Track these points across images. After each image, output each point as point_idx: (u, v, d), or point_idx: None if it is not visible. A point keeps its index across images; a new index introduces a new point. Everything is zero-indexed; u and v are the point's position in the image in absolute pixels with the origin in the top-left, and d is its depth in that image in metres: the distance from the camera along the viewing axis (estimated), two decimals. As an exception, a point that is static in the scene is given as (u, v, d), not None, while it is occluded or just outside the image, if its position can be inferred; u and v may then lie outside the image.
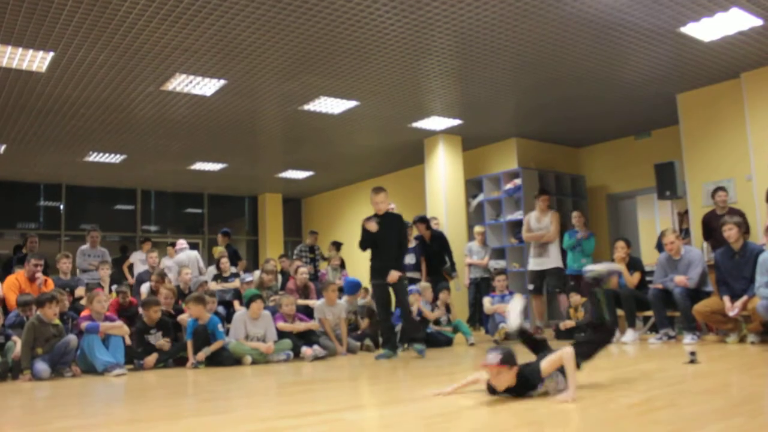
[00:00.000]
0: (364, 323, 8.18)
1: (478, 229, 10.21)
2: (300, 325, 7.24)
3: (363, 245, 6.93)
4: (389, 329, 6.85)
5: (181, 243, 10.50)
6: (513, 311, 4.30)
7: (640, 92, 8.97)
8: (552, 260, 8.80)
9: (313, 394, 4.51)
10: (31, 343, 5.90)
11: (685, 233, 9.15)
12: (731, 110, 8.61)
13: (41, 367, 5.81)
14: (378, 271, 6.80)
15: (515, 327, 4.17)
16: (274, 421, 3.38)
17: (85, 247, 9.50)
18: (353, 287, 8.42)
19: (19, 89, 7.78)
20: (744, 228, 6.84)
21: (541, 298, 8.96)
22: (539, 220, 8.92)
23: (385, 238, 6.78)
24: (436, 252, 9.10)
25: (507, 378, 3.51)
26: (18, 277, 7.37)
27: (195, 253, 10.12)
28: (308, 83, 8.03)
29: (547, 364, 3.62)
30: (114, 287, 8.30)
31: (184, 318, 7.26)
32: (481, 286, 9.81)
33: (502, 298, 8.21)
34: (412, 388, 4.54)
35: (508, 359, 3.52)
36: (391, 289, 6.84)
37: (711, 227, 7.81)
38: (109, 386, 5.38)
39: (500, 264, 10.52)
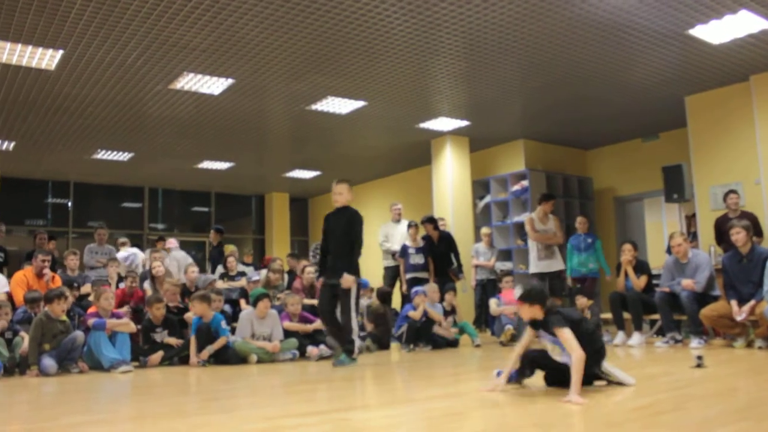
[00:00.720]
0: (369, 326, 8.17)
1: (484, 230, 10.20)
2: (308, 326, 7.23)
3: (322, 241, 6.50)
4: (337, 333, 6.25)
5: (172, 242, 10.54)
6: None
7: (648, 94, 8.95)
8: (558, 263, 8.81)
9: (318, 394, 4.52)
10: (38, 339, 5.93)
11: (692, 236, 9.12)
12: (740, 113, 8.58)
13: (48, 362, 5.84)
14: (327, 269, 6.31)
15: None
16: (279, 419, 3.38)
17: (92, 244, 9.55)
18: (364, 287, 8.48)
19: (28, 87, 7.81)
20: (753, 232, 6.80)
21: None
22: (544, 223, 8.91)
23: (335, 235, 6.27)
24: (443, 253, 9.09)
25: (530, 311, 3.96)
26: (26, 273, 7.41)
27: (183, 254, 10.16)
28: (316, 83, 8.03)
29: (562, 335, 3.78)
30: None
31: (190, 316, 7.27)
32: (487, 288, 9.79)
33: (509, 299, 8.19)
34: (417, 388, 4.54)
35: (526, 296, 3.99)
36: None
37: (723, 230, 7.77)
38: (115, 383, 5.40)
39: (507, 265, 10.50)
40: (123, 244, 10.42)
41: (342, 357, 6.06)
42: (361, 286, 7.64)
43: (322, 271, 6.47)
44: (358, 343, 6.28)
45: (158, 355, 6.58)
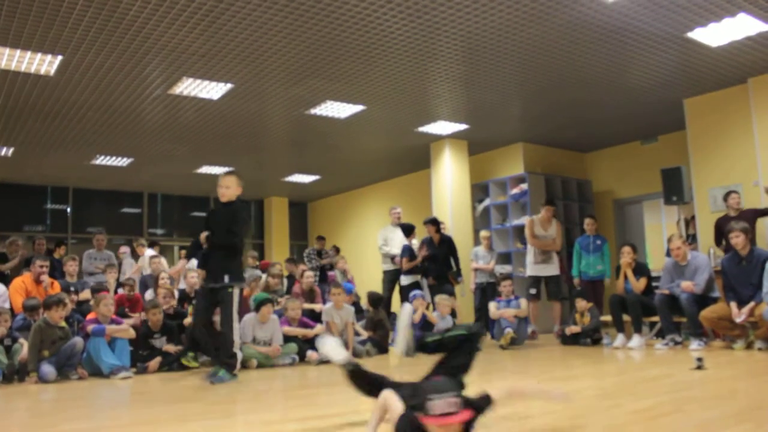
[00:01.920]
0: (367, 333, 8.15)
1: (484, 233, 10.20)
2: (308, 331, 7.22)
3: (190, 250, 5.94)
4: (214, 346, 5.63)
5: (125, 249, 10.62)
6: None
7: (646, 97, 8.96)
8: (553, 267, 8.93)
9: (318, 398, 4.51)
10: (37, 346, 5.92)
11: (691, 239, 9.12)
12: (738, 115, 8.59)
13: (47, 369, 5.83)
14: (208, 272, 5.64)
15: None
16: (279, 424, 3.38)
17: (91, 250, 9.54)
18: (348, 292, 8.51)
19: (27, 92, 7.81)
20: (751, 234, 6.81)
21: (538, 303, 8.95)
22: (545, 228, 8.95)
23: (218, 233, 5.63)
24: (443, 256, 9.09)
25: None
26: (24, 279, 7.39)
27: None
28: (315, 87, 8.04)
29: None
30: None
31: (189, 321, 7.27)
32: (486, 291, 9.79)
33: (508, 303, 8.19)
34: (417, 392, 4.53)
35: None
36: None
37: (724, 231, 7.75)
38: (114, 389, 5.39)
39: (506, 269, 10.50)
40: (140, 246, 10.43)
41: (221, 373, 5.40)
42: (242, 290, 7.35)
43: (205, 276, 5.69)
44: (239, 356, 5.67)
45: (156, 361, 6.56)
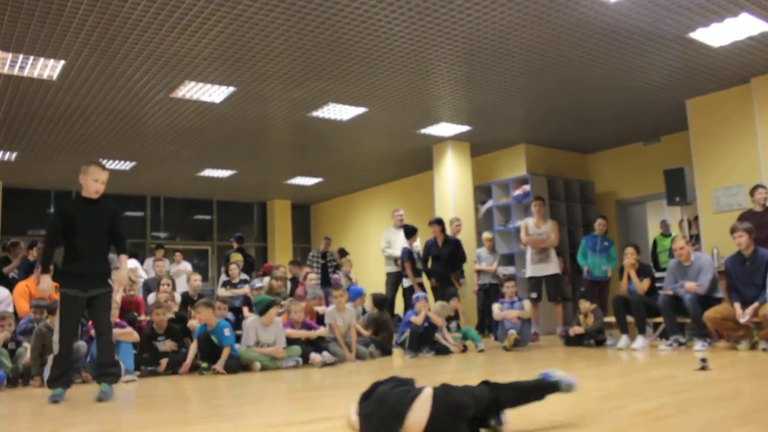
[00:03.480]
0: (367, 332, 8.15)
1: (486, 235, 10.20)
2: (311, 333, 7.23)
3: (49, 237, 5.12)
4: (68, 362, 4.93)
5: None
6: None
7: (649, 98, 8.95)
8: (552, 266, 8.89)
9: (322, 401, 4.51)
10: (39, 350, 5.94)
11: (695, 239, 9.11)
12: (741, 116, 8.58)
13: (51, 373, 5.83)
14: (75, 277, 4.89)
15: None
16: (283, 427, 3.38)
17: None
18: (357, 295, 8.54)
19: (30, 97, 7.83)
20: (755, 234, 6.77)
21: (539, 305, 8.92)
22: (538, 226, 8.95)
23: (93, 233, 4.99)
24: (447, 257, 9.08)
25: None
26: (28, 283, 7.42)
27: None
28: (317, 90, 8.05)
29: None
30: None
31: (194, 324, 7.29)
32: (489, 293, 9.79)
33: (512, 304, 8.19)
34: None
35: None
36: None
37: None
38: (119, 392, 5.39)
39: (509, 270, 10.50)
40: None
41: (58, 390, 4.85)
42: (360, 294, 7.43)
43: (70, 281, 4.91)
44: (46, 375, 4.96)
45: (165, 361, 6.59)
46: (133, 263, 10.18)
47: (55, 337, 4.87)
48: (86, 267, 4.92)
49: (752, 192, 7.73)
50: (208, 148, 10.64)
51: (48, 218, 5.11)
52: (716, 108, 8.86)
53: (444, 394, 2.68)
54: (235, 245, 11.19)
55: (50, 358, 4.90)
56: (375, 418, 2.64)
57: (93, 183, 5.00)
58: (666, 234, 10.77)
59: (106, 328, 5.04)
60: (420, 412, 2.56)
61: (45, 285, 4.99)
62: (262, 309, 6.97)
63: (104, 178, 5.05)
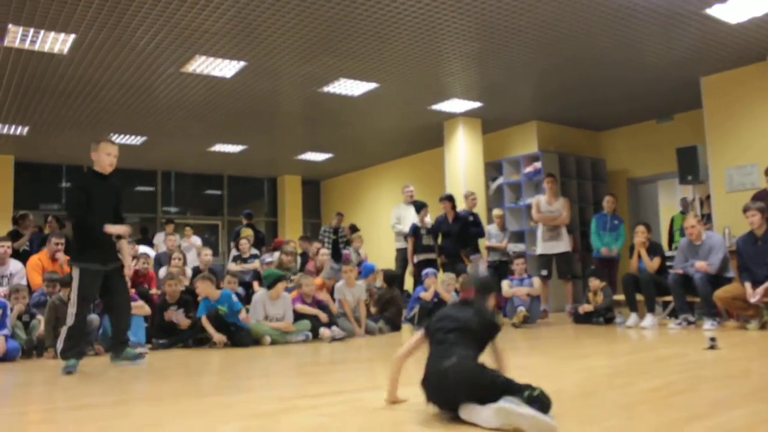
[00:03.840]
0: (374, 309, 8.21)
1: (496, 212, 10.18)
2: (321, 314, 7.21)
3: (77, 211, 5.04)
4: (81, 334, 5.08)
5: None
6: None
7: (663, 75, 8.85)
8: (563, 244, 8.85)
9: (332, 375, 4.55)
10: (53, 322, 6.00)
11: (706, 218, 9.06)
12: (757, 93, 8.47)
13: (65, 345, 5.91)
14: (95, 252, 5.02)
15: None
16: (294, 400, 3.42)
17: None
18: (369, 271, 8.56)
19: (41, 71, 7.84)
20: None
21: (549, 282, 8.91)
22: (550, 204, 8.92)
23: (107, 208, 5.16)
24: (457, 233, 9.07)
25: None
26: (41, 257, 7.47)
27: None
28: (328, 65, 8.01)
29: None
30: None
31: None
32: (499, 270, 9.78)
33: (521, 281, 8.20)
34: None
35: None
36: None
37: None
38: (131, 365, 5.46)
39: (519, 247, 10.49)
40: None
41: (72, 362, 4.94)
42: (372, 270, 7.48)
43: (89, 256, 5.02)
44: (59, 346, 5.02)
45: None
46: (144, 248, 10.24)
47: (71, 310, 4.95)
48: (104, 241, 5.05)
49: (767, 171, 7.67)
50: (219, 123, 10.64)
51: (71, 193, 5.19)
52: (731, 86, 8.76)
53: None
54: (245, 221, 11.24)
55: (63, 330, 4.97)
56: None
57: (106, 157, 5.11)
58: (685, 211, 10.54)
59: (127, 298, 5.34)
60: None
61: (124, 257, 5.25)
62: (271, 283, 7.02)
63: (116, 152, 5.17)
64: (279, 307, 6.96)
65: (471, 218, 9.30)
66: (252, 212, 11.69)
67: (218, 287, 7.11)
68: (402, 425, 2.78)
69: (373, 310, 8.16)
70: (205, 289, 6.81)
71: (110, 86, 8.51)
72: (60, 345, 4.96)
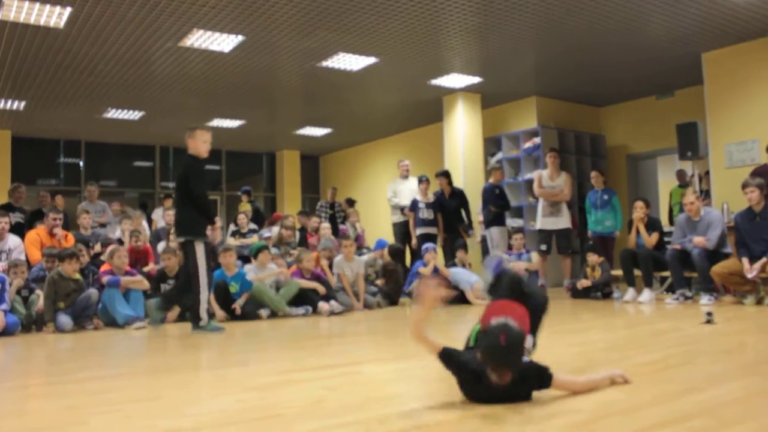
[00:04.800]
0: (380, 281, 8.24)
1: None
2: (318, 286, 7.27)
3: (203, 191, 5.77)
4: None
5: (116, 206, 10.61)
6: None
7: (663, 51, 8.79)
8: (564, 220, 8.85)
9: (330, 348, 4.58)
10: (52, 297, 6.02)
11: (705, 194, 9.06)
12: (758, 70, 8.42)
13: (64, 320, 5.94)
14: (205, 228, 5.69)
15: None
16: (292, 373, 3.44)
17: (84, 203, 9.58)
18: (382, 246, 8.61)
19: (37, 45, 7.77)
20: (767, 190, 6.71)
21: (548, 257, 8.93)
22: (552, 179, 8.90)
23: (177, 187, 5.84)
24: (454, 208, 9.08)
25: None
26: (39, 232, 7.48)
27: None
28: (326, 39, 7.95)
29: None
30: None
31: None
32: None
33: (519, 256, 8.22)
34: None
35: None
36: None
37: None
38: (130, 339, 5.49)
39: (517, 222, 10.50)
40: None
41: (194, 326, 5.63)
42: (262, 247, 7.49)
43: (200, 229, 5.69)
44: (204, 315, 5.61)
45: (175, 312, 6.69)
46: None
47: (202, 281, 5.51)
48: (201, 215, 5.64)
49: None
50: (217, 98, 10.58)
51: (196, 173, 5.69)
52: (732, 62, 8.70)
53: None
54: (244, 199, 11.21)
55: (201, 301, 5.50)
56: None
57: (203, 144, 5.70)
58: (683, 185, 10.34)
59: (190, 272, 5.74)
60: None
61: (217, 233, 5.76)
62: (254, 254, 7.32)
63: (211, 138, 5.79)
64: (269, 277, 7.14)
65: (497, 191, 9.34)
66: (251, 189, 11.65)
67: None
68: (400, 398, 2.80)
69: (379, 282, 8.20)
70: (227, 261, 6.89)
71: (107, 60, 8.45)
72: (203, 315, 5.53)
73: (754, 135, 8.45)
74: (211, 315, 6.06)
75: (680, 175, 10.37)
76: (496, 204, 9.23)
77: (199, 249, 5.51)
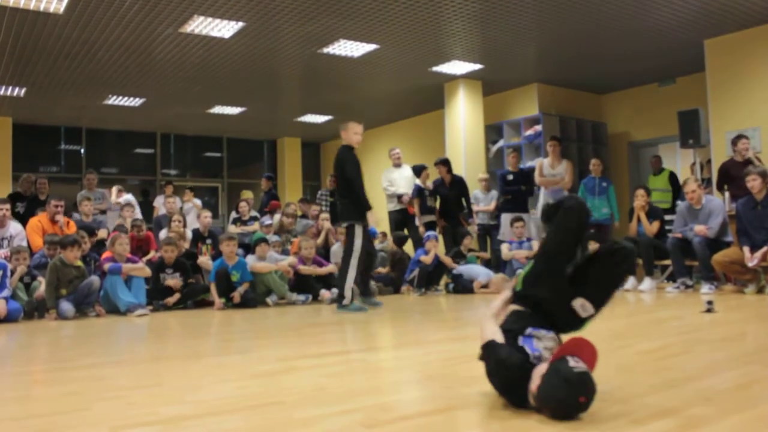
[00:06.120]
0: (385, 269, 8.28)
1: (481, 175, 10.12)
2: (322, 270, 7.32)
3: (360, 179, 6.21)
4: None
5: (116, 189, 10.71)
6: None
7: (666, 38, 8.75)
8: None
9: (331, 335, 4.59)
10: (54, 284, 6.04)
11: (706, 183, 9.05)
12: (760, 57, 8.39)
13: (66, 306, 5.96)
14: (362, 210, 6.16)
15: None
16: (293, 360, 3.45)
17: (83, 191, 9.58)
18: (372, 235, 8.64)
19: (37, 31, 7.74)
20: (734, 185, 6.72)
21: None
22: (553, 167, 8.91)
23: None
24: (454, 197, 9.07)
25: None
26: (40, 219, 7.49)
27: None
28: (327, 25, 7.91)
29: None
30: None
31: (203, 261, 7.39)
32: (490, 232, 9.81)
33: (520, 244, 8.23)
34: (428, 331, 4.60)
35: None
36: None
37: (731, 176, 7.68)
38: (131, 326, 5.51)
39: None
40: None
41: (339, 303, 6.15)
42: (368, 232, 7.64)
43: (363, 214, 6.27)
44: (348, 294, 6.08)
45: (174, 298, 6.72)
46: (128, 198, 10.28)
47: (354, 261, 5.96)
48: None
49: (734, 142, 7.67)
50: (218, 85, 10.56)
51: (352, 164, 6.13)
52: (735, 49, 8.66)
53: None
54: (263, 184, 11.46)
55: (349, 280, 5.94)
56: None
57: (354, 136, 6.24)
58: (657, 172, 10.17)
59: (343, 256, 6.22)
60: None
61: (376, 217, 6.21)
62: (253, 246, 7.44)
63: (362, 130, 6.32)
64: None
65: (511, 177, 9.37)
66: (273, 175, 11.94)
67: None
68: (402, 385, 2.81)
69: (385, 269, 8.25)
70: (228, 250, 6.89)
71: (108, 47, 8.42)
72: (347, 294, 5.98)
73: (755, 123, 8.43)
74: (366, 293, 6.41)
75: (654, 161, 10.30)
76: (505, 191, 9.24)
77: (359, 232, 6.02)
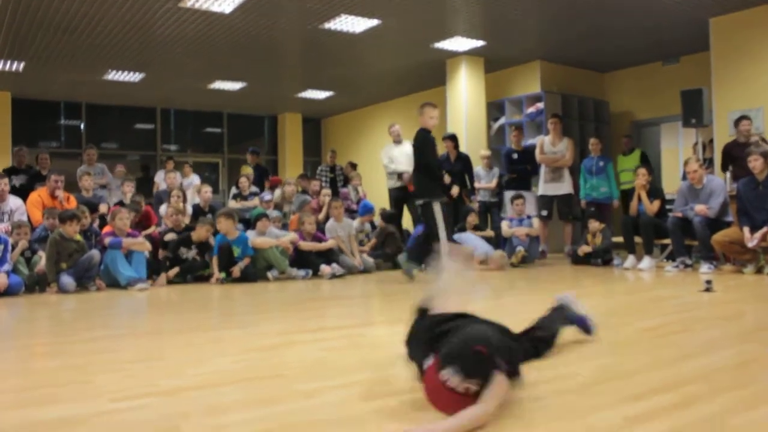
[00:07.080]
0: (368, 244, 8.33)
1: (483, 152, 10.07)
2: (322, 245, 7.36)
3: (436, 159, 6.77)
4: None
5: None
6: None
7: (670, 16, 8.67)
8: (565, 186, 8.88)
9: (332, 310, 4.62)
10: (54, 258, 6.05)
11: (708, 163, 9.03)
12: (766, 36, 8.31)
13: (67, 280, 5.98)
14: (437, 187, 6.60)
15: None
16: (293, 335, 3.47)
17: (83, 166, 9.56)
18: (367, 210, 8.64)
19: (35, 5, 7.67)
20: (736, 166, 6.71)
21: (548, 223, 8.96)
22: (554, 144, 8.90)
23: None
24: (458, 173, 9.05)
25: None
26: (40, 193, 7.49)
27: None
28: (328, 0, 7.84)
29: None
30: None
31: (200, 234, 7.42)
32: (491, 210, 9.81)
33: (521, 221, 8.23)
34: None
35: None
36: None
37: (733, 156, 7.67)
38: (132, 300, 5.54)
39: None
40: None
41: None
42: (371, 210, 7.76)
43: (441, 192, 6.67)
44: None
45: (174, 271, 6.75)
46: (194, 179, 10.32)
47: (442, 234, 6.18)
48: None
49: (736, 123, 7.65)
50: (218, 60, 10.49)
51: (429, 144, 6.52)
52: (740, 27, 8.58)
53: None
54: (250, 159, 11.31)
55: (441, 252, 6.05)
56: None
57: (431, 120, 6.50)
58: (628, 152, 9.92)
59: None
60: None
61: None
62: (253, 222, 7.45)
63: (437, 114, 6.60)
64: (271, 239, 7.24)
65: (516, 156, 9.33)
66: (258, 149, 11.76)
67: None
68: (401, 359, 2.83)
69: (368, 245, 8.26)
70: (227, 226, 6.93)
71: (107, 21, 8.35)
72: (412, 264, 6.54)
73: (759, 103, 8.38)
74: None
75: (626, 141, 10.22)
76: (511, 170, 9.25)
77: (437, 207, 6.26)
